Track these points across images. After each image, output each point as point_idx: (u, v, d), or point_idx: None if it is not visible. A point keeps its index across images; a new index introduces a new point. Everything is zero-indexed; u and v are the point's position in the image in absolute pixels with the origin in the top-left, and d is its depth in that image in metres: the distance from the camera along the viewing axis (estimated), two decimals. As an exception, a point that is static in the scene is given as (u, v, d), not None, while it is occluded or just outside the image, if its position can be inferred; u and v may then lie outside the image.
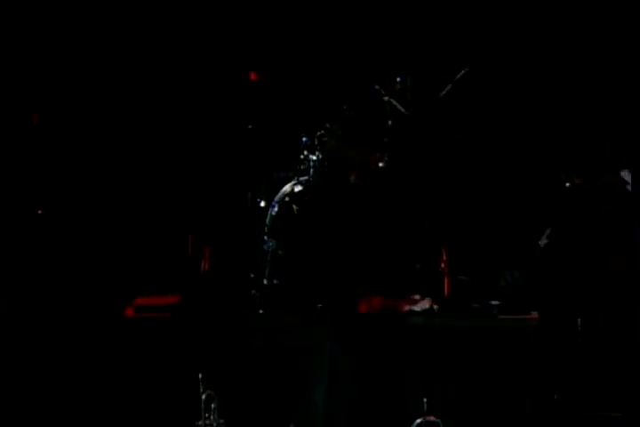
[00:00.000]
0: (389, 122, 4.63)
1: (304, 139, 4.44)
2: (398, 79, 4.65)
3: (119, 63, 4.50)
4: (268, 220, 4.41)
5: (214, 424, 3.59)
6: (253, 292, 4.34)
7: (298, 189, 4.50)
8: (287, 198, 4.47)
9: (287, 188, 4.49)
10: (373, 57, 4.68)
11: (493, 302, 4.24)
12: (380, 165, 4.55)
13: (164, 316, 4.28)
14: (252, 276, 4.36)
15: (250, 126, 4.45)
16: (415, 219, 4.48)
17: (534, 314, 4.15)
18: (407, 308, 4.27)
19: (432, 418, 3.47)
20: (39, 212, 4.41)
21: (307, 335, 4.11)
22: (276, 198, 4.47)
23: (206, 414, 3.59)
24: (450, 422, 3.74)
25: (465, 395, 4.03)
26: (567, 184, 4.40)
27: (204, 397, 3.56)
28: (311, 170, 4.50)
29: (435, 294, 4.33)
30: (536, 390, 4.05)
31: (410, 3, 4.70)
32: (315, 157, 4.49)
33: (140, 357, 4.18)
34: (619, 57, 4.46)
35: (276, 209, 4.46)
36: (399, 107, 4.59)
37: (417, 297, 4.31)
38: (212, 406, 3.59)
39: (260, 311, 4.30)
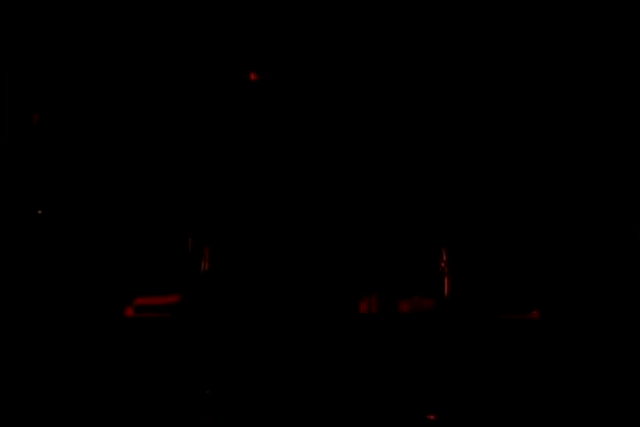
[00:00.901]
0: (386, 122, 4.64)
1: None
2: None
3: (119, 63, 4.50)
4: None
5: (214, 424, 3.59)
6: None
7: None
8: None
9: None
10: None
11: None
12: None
13: (164, 316, 4.29)
14: None
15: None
16: (415, 218, 4.48)
17: (535, 313, 4.16)
18: (407, 308, 4.28)
19: (433, 417, 3.48)
20: (39, 212, 4.41)
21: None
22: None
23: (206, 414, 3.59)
24: (451, 422, 3.74)
25: (466, 394, 4.03)
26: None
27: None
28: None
29: (435, 294, 4.34)
30: (537, 390, 4.05)
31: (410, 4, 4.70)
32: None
33: (140, 357, 4.18)
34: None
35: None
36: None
37: (417, 297, 4.32)
38: (212, 405, 3.59)
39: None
